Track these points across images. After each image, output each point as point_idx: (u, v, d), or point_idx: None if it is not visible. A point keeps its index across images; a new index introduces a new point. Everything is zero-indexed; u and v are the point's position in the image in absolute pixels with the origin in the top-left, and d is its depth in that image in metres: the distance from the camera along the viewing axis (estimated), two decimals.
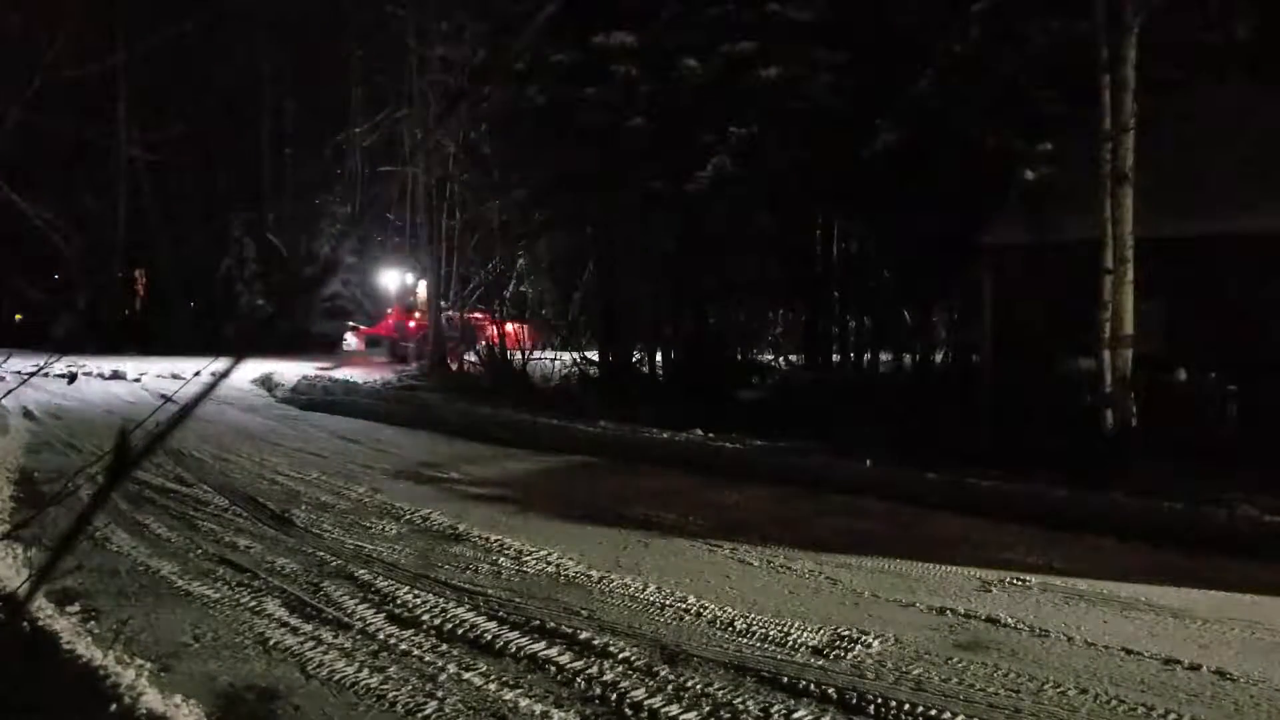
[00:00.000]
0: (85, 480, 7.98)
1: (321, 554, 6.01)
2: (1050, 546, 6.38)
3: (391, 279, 31.93)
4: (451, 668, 4.12)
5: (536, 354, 20.47)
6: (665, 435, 11.05)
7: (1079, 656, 4.33)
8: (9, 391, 11.98)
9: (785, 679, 4.00)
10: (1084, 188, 9.16)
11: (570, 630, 4.57)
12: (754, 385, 14.96)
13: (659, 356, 16.87)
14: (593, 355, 18.10)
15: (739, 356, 16.78)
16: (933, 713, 3.69)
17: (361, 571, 5.59)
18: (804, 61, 12.53)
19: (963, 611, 4.94)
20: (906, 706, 3.73)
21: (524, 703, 3.77)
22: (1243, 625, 4.79)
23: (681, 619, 4.81)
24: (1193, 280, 9.62)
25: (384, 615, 4.82)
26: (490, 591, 5.23)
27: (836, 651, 4.34)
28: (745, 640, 4.50)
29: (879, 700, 3.78)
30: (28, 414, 12.90)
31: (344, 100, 34.10)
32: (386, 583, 5.36)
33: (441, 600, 5.06)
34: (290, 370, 20.03)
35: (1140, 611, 5.02)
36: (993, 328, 11.20)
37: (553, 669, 4.12)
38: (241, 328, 30.22)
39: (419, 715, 3.67)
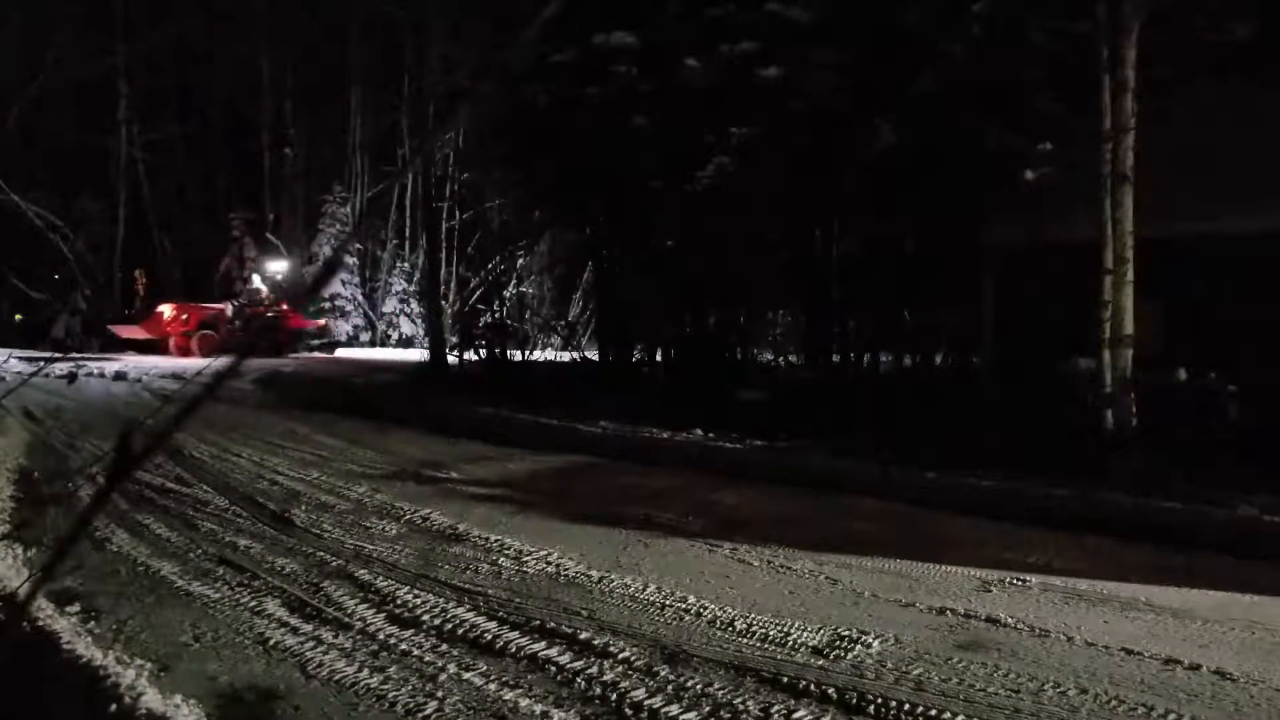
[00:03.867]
0: (86, 480, 8.01)
1: (321, 554, 6.01)
2: (1050, 546, 6.38)
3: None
4: (451, 668, 4.12)
5: (537, 353, 20.47)
6: (666, 435, 11.05)
7: (1079, 656, 4.33)
8: (10, 391, 11.99)
9: (785, 679, 4.00)
10: (1084, 188, 9.16)
11: (570, 630, 4.57)
12: (754, 385, 14.96)
13: (659, 356, 16.87)
14: (592, 355, 18.12)
15: (739, 356, 16.79)
16: (933, 713, 3.69)
17: (361, 571, 5.59)
18: (804, 61, 12.52)
19: (963, 611, 4.94)
20: (906, 706, 3.74)
21: (524, 703, 3.77)
22: (1243, 625, 4.79)
23: (681, 619, 4.81)
24: (1193, 280, 9.63)
25: (384, 615, 4.83)
26: (490, 591, 5.24)
27: (836, 651, 4.34)
28: (745, 640, 4.50)
29: (879, 700, 3.78)
30: (28, 414, 12.90)
31: (344, 100, 34.14)
32: (386, 583, 5.36)
33: (441, 600, 5.06)
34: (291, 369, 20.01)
35: (1140, 611, 5.02)
36: (993, 327, 11.22)
37: (553, 669, 4.12)
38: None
39: (419, 715, 3.67)
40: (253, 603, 5.01)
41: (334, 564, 5.78)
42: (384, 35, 31.31)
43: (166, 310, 27.61)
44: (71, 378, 18.39)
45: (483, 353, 19.80)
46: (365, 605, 4.98)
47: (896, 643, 4.47)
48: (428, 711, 3.69)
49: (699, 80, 13.04)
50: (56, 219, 30.02)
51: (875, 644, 4.43)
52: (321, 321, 30.14)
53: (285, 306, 28.55)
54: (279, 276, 30.51)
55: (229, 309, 28.31)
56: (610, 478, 9.23)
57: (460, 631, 4.58)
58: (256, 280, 29.73)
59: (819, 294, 15.72)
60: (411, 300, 34.07)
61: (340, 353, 30.72)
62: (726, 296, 16.26)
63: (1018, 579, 5.56)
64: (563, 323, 23.83)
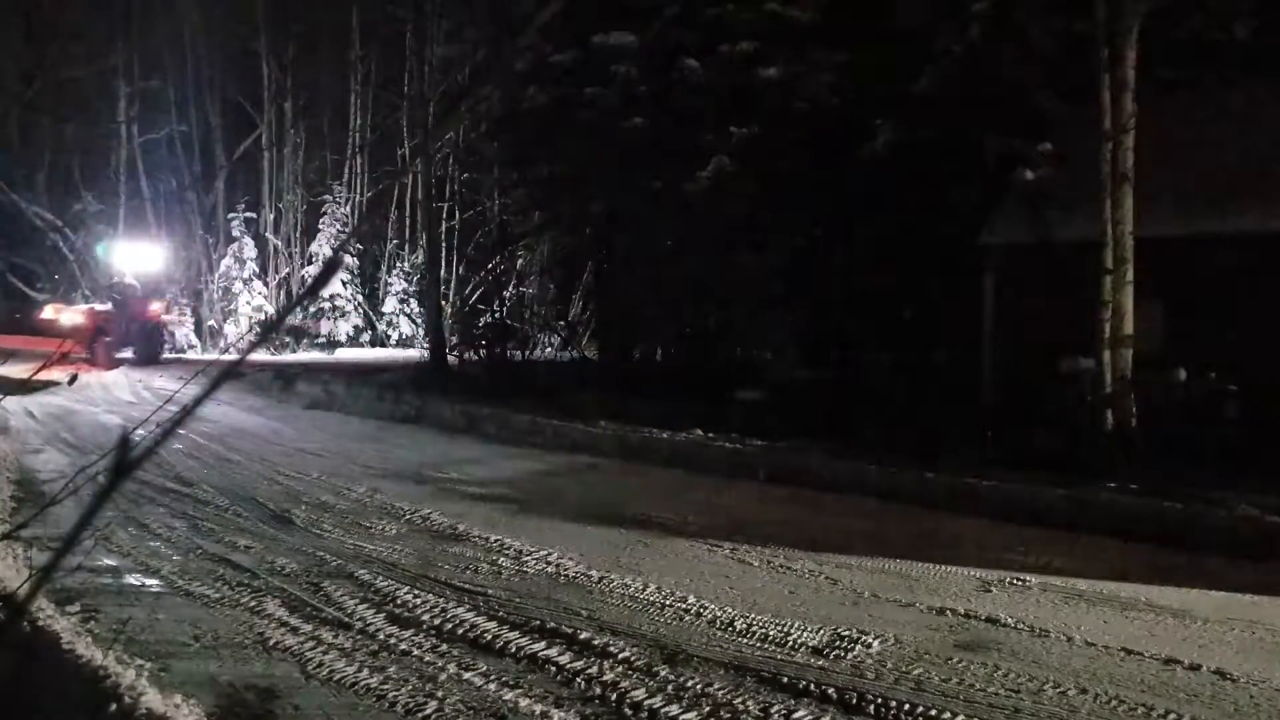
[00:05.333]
0: (86, 480, 8.00)
1: (321, 553, 6.01)
2: (1050, 546, 6.38)
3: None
4: (451, 667, 4.12)
5: (537, 353, 20.45)
6: (665, 435, 11.04)
7: (1079, 656, 4.33)
8: (9, 391, 12.00)
9: (785, 679, 4.00)
10: (1084, 188, 9.16)
11: (570, 630, 4.57)
12: (754, 385, 14.95)
13: (659, 356, 16.88)
14: (592, 355, 18.12)
15: (739, 356, 16.78)
16: (933, 713, 3.69)
17: (361, 571, 5.59)
18: (804, 61, 12.52)
19: (963, 611, 4.94)
20: (906, 707, 3.74)
21: (524, 703, 3.77)
22: (1243, 625, 4.79)
23: (681, 619, 4.81)
24: (1192, 280, 9.62)
25: (384, 615, 4.82)
26: (490, 591, 5.24)
27: (836, 651, 4.34)
28: (745, 640, 4.50)
29: (879, 700, 3.78)
30: (29, 414, 12.90)
31: (344, 100, 34.17)
32: (386, 582, 5.36)
33: (441, 600, 5.06)
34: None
35: (1140, 611, 5.02)
36: (993, 327, 11.21)
37: (553, 669, 4.13)
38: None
39: (419, 715, 3.67)
40: (253, 602, 5.00)
41: (334, 563, 5.78)
42: (384, 35, 31.33)
43: (50, 312, 23.75)
44: (73, 378, 18.36)
45: (483, 352, 19.78)
46: (365, 605, 4.98)
47: (896, 643, 4.47)
48: (428, 711, 3.69)
49: (699, 80, 13.03)
50: (57, 219, 30.01)
51: (875, 644, 4.43)
52: (173, 315, 27.66)
53: (162, 303, 25.65)
54: (154, 268, 26.79)
55: (111, 308, 24.33)
56: (610, 478, 9.23)
57: (460, 631, 4.58)
58: (128, 275, 25.13)
59: (819, 294, 15.72)
60: (411, 300, 33.99)
61: (340, 353, 30.68)
62: (727, 296, 16.25)
63: (1018, 579, 5.56)
64: (563, 323, 23.77)
